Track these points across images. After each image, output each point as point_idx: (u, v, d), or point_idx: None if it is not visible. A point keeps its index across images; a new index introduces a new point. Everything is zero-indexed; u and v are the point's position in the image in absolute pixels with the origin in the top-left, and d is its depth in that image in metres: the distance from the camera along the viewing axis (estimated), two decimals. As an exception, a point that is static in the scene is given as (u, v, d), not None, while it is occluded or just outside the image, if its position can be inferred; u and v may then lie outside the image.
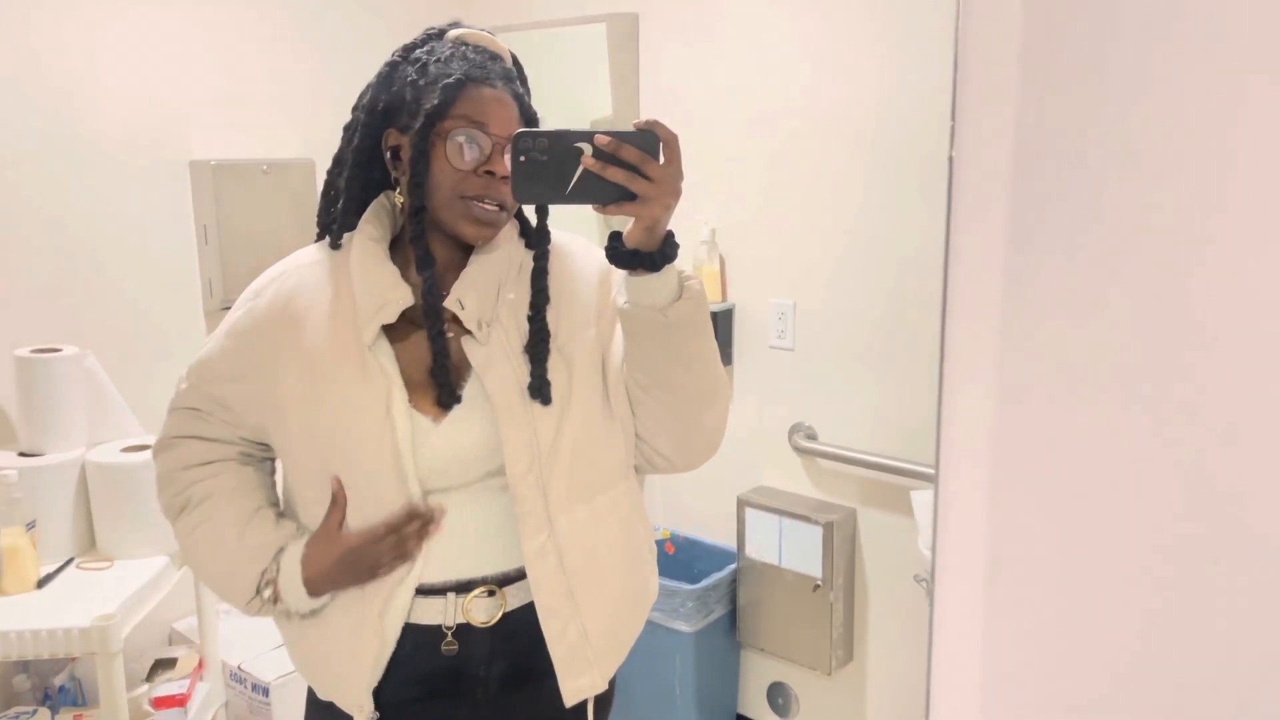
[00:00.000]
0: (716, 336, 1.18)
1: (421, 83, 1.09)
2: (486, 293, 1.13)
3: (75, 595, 1.76)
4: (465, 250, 1.16)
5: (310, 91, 2.52)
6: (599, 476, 1.16)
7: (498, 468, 1.11)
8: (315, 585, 1.13)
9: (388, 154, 1.14)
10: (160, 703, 1.94)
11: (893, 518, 2.23)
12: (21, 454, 1.90)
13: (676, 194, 1.02)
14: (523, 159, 0.99)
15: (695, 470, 1.27)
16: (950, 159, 0.56)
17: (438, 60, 1.10)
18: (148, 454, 1.91)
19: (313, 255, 1.20)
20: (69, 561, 1.87)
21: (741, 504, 2.35)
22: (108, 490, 1.89)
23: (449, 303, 1.11)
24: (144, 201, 2.24)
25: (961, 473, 0.59)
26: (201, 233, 2.32)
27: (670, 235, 1.06)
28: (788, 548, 2.29)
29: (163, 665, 2.09)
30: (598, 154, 0.99)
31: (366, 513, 1.11)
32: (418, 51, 1.13)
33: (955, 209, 0.57)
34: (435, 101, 1.07)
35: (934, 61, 2.02)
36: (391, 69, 1.14)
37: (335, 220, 1.18)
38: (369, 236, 1.16)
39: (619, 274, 1.10)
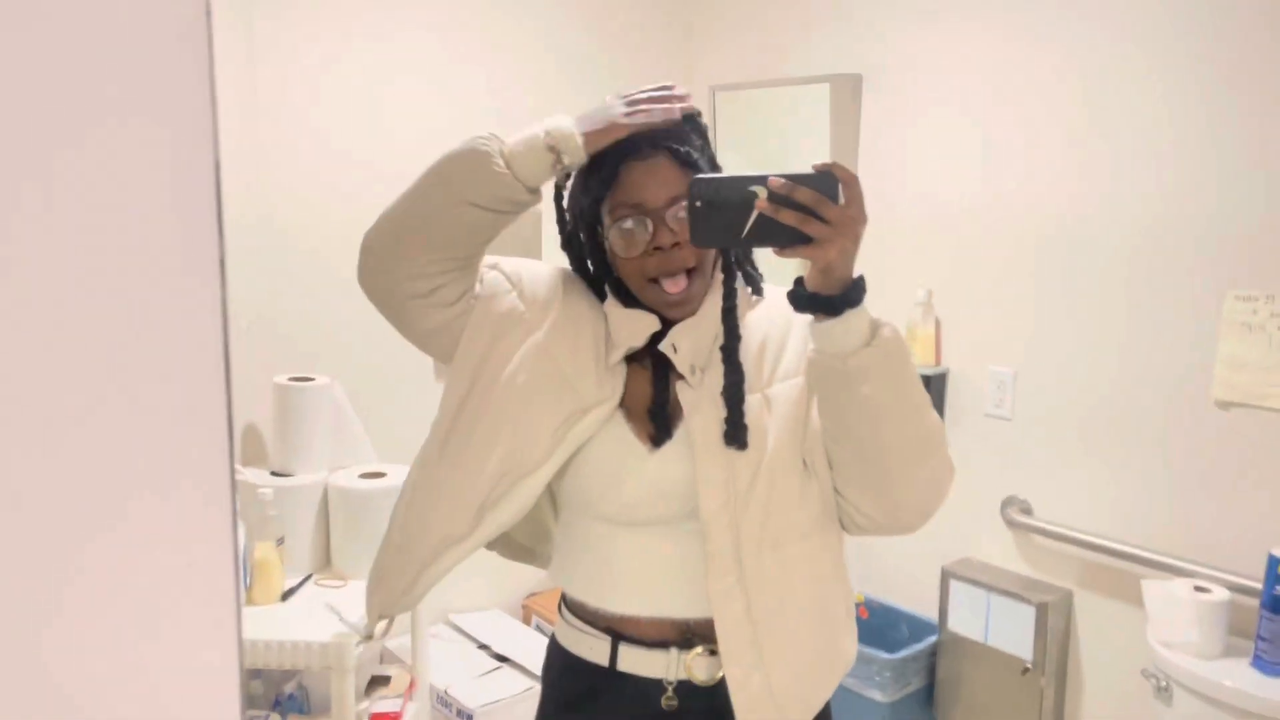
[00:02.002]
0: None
1: (588, 182, 1.13)
2: (701, 339, 1.14)
3: (314, 610, 1.88)
4: None
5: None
6: (792, 526, 1.14)
7: (694, 509, 1.12)
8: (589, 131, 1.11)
9: (585, 255, 1.20)
10: (377, 718, 2.05)
11: (1115, 604, 2.10)
12: (273, 473, 2.06)
13: (855, 237, 0.99)
14: (698, 204, 1.00)
15: (898, 538, 1.23)
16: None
17: (601, 153, 1.12)
18: (384, 480, 2.04)
19: (580, 291, 1.24)
20: (308, 577, 2.01)
21: (946, 575, 2.28)
22: (346, 512, 2.02)
23: (664, 346, 1.14)
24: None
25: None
26: (436, 274, 2.46)
27: (857, 280, 1.03)
28: (995, 625, 2.20)
29: (377, 682, 2.20)
30: (772, 197, 0.98)
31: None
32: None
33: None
34: (591, 199, 1.11)
35: (1183, 146, 1.94)
36: (575, 172, 1.18)
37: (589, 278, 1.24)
38: (614, 293, 1.20)
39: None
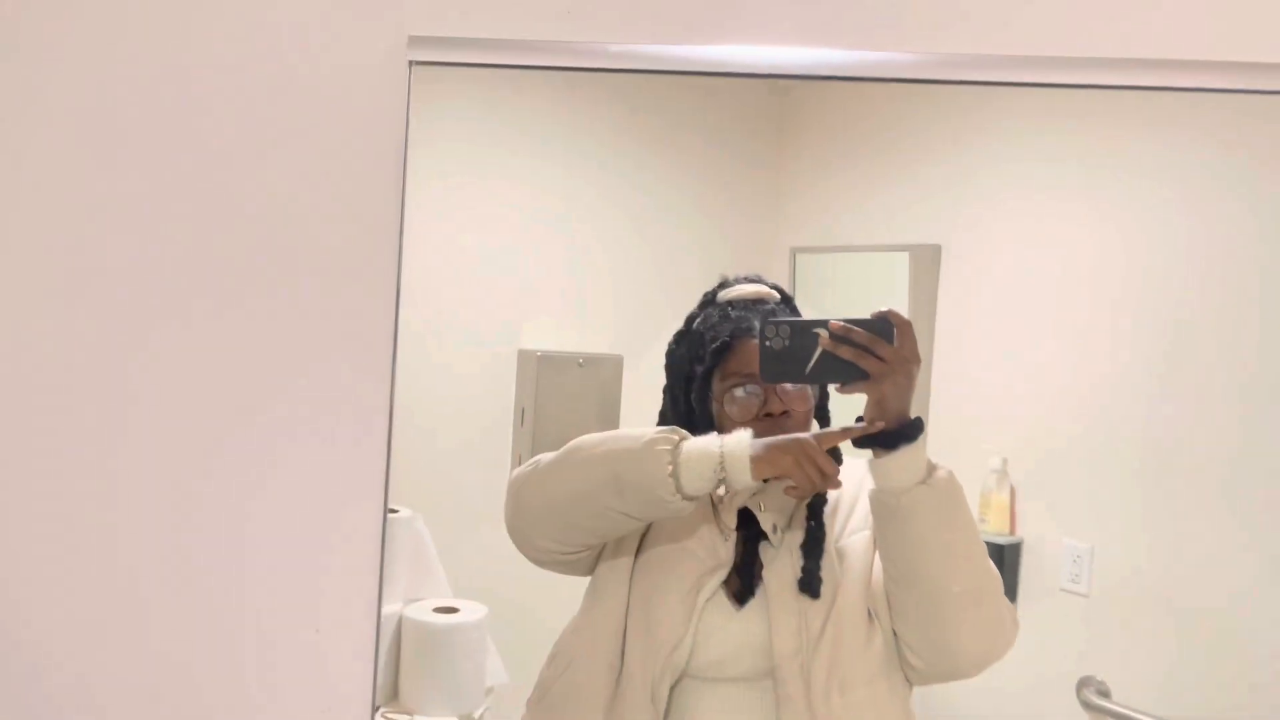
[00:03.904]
0: (1002, 571, 1.18)
1: (700, 351, 1.24)
2: (786, 500, 1.21)
3: (381, 744, 1.90)
4: None
5: (624, 291, 2.77)
6: (860, 672, 1.20)
7: (768, 667, 1.16)
8: (760, 455, 1.14)
9: (696, 416, 1.28)
10: None
11: (1198, 800, 2.01)
12: (352, 602, 2.11)
13: (908, 374, 1.10)
14: (768, 343, 1.13)
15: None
16: None
17: (709, 326, 1.26)
18: (456, 616, 2.08)
19: None
20: (378, 709, 2.03)
21: (1019, 755, 2.21)
22: (417, 645, 2.05)
23: (750, 504, 1.21)
24: (473, 383, 2.52)
25: None
26: (519, 415, 2.56)
27: (915, 420, 1.10)
28: (1070, 813, 2.11)
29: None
30: (833, 336, 1.08)
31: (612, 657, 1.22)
32: (695, 322, 1.30)
33: None
34: (707, 365, 1.22)
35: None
36: (677, 342, 1.31)
37: None
38: None
39: None
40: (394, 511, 2.18)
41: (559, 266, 2.62)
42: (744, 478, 1.13)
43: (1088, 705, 2.18)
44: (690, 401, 1.31)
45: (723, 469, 1.13)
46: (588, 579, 1.33)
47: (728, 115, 3.00)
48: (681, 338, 1.33)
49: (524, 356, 2.54)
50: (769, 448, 1.14)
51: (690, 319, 1.35)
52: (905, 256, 2.53)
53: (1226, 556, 1.98)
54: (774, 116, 3.09)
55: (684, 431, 1.16)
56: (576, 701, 1.25)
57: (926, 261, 2.53)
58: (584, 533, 1.24)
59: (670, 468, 1.14)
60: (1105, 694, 2.17)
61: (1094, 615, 2.20)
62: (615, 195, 2.74)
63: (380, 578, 0.55)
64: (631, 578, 1.25)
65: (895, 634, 1.22)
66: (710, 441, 1.16)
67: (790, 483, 1.11)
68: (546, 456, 1.27)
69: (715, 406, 1.25)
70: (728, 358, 1.24)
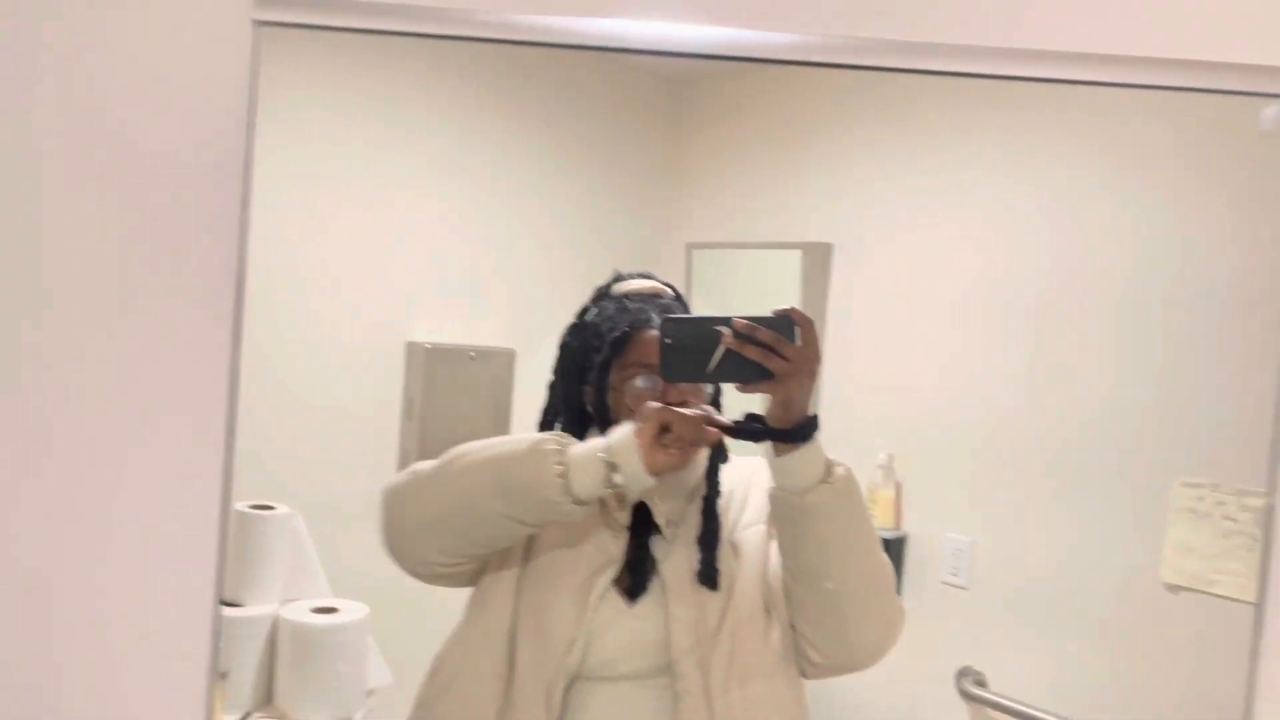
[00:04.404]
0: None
1: (596, 343, 1.24)
2: (678, 495, 1.22)
3: (252, 752, 1.82)
4: None
5: (517, 284, 2.72)
6: (757, 664, 1.21)
7: (664, 662, 1.15)
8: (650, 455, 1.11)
9: (589, 407, 1.27)
10: None
11: (1067, 785, 2.08)
12: (223, 602, 2.02)
13: (811, 374, 1.11)
14: (669, 341, 1.11)
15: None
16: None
17: (606, 318, 1.26)
18: (336, 616, 2.01)
19: None
20: (247, 715, 1.94)
21: (900, 745, 2.25)
22: (293, 648, 1.97)
23: (644, 497, 1.21)
24: (361, 376, 2.44)
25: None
26: (407, 408, 2.49)
27: (812, 417, 1.12)
28: (948, 801, 2.16)
29: (307, 831, 2.10)
30: (737, 335, 1.07)
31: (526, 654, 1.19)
32: (589, 314, 1.30)
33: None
34: (605, 356, 1.21)
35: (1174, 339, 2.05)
36: (570, 335, 1.30)
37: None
38: None
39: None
40: (269, 509, 2.09)
41: (451, 258, 2.57)
42: (637, 467, 1.10)
43: (965, 695, 2.24)
44: (582, 395, 1.29)
45: (613, 465, 1.11)
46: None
47: (626, 110, 2.99)
48: (576, 330, 1.32)
49: (412, 349, 2.48)
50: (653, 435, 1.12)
51: (583, 311, 1.33)
52: (798, 254, 2.56)
53: (1101, 550, 2.06)
54: (671, 113, 3.10)
55: (569, 437, 1.14)
56: (462, 715, 1.22)
57: (818, 259, 2.56)
58: (470, 542, 1.20)
59: (560, 468, 1.11)
60: (983, 684, 2.23)
61: (973, 607, 2.26)
62: (509, 186, 2.70)
63: (219, 578, 0.51)
64: (519, 585, 1.22)
65: (794, 628, 1.23)
66: (595, 442, 1.13)
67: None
68: (424, 466, 1.23)
69: (612, 397, 1.23)
70: (627, 349, 1.23)
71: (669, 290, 1.32)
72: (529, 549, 1.22)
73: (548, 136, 2.77)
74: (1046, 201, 2.20)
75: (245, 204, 0.51)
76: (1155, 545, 1.97)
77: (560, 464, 1.09)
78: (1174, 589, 1.95)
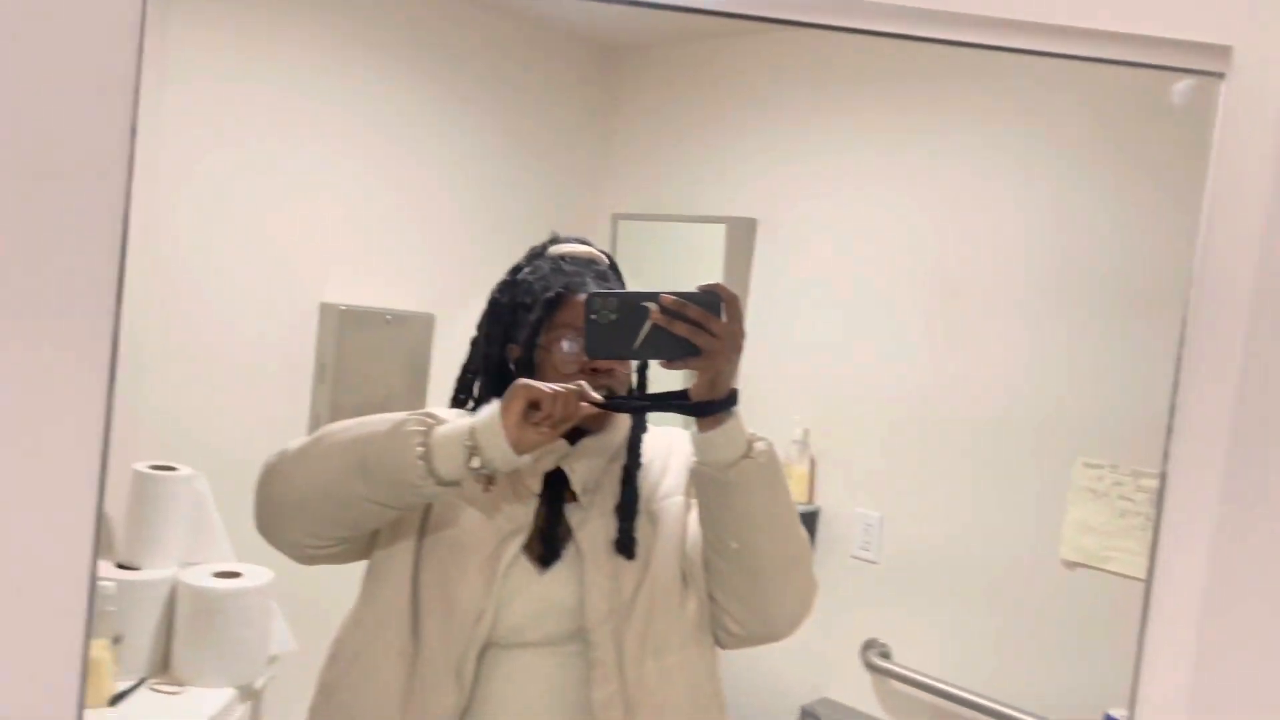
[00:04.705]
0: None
1: (528, 300, 1.22)
2: (596, 463, 1.21)
3: (146, 718, 1.76)
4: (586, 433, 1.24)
5: (438, 248, 2.67)
6: (672, 635, 1.20)
7: (575, 629, 1.15)
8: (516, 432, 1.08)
9: (512, 365, 1.25)
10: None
11: (964, 754, 2.15)
12: (119, 565, 1.95)
13: (737, 349, 1.10)
14: (594, 317, 1.09)
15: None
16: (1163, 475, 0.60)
17: (540, 277, 1.24)
18: (238, 581, 1.95)
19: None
20: (142, 681, 1.88)
21: (806, 714, 2.29)
22: (193, 613, 1.91)
23: (563, 465, 1.19)
24: (271, 336, 2.37)
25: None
26: (320, 370, 2.43)
27: (734, 391, 1.12)
28: (849, 769, 2.21)
29: (204, 801, 2.05)
30: (664, 310, 1.06)
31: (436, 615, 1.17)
32: (522, 273, 1.28)
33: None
34: (537, 315, 1.19)
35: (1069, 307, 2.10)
36: (501, 291, 1.27)
37: (479, 403, 1.28)
38: None
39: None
40: (171, 469, 2.02)
41: (370, 218, 2.50)
42: (503, 447, 1.08)
43: (870, 666, 2.29)
44: (505, 353, 1.27)
45: (475, 446, 1.08)
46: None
47: (555, 77, 2.95)
48: (507, 287, 1.28)
49: (326, 310, 2.41)
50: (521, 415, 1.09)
51: (516, 269, 1.30)
52: (722, 228, 2.56)
53: (1004, 527, 2.11)
54: (601, 81, 3.06)
55: (441, 415, 1.11)
56: (367, 695, 1.18)
57: (742, 234, 2.57)
58: (336, 525, 1.15)
59: (421, 449, 1.07)
60: (887, 656, 2.28)
61: (881, 581, 2.31)
62: (433, 148, 2.63)
63: (95, 539, 0.47)
64: (417, 558, 1.19)
65: (713, 600, 1.23)
66: (461, 422, 1.10)
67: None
68: (292, 446, 1.18)
69: (539, 355, 1.21)
70: (559, 310, 1.20)
71: (604, 258, 1.30)
72: (427, 520, 1.19)
73: (474, 99, 2.71)
74: (964, 180, 2.23)
75: (129, 167, 0.47)
76: (1056, 523, 2.04)
77: (422, 445, 1.06)
78: (1071, 565, 2.02)
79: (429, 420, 1.10)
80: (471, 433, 1.08)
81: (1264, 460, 0.54)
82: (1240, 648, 0.54)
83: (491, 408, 1.09)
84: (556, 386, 1.09)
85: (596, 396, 1.11)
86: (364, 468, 1.10)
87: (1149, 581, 0.65)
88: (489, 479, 1.13)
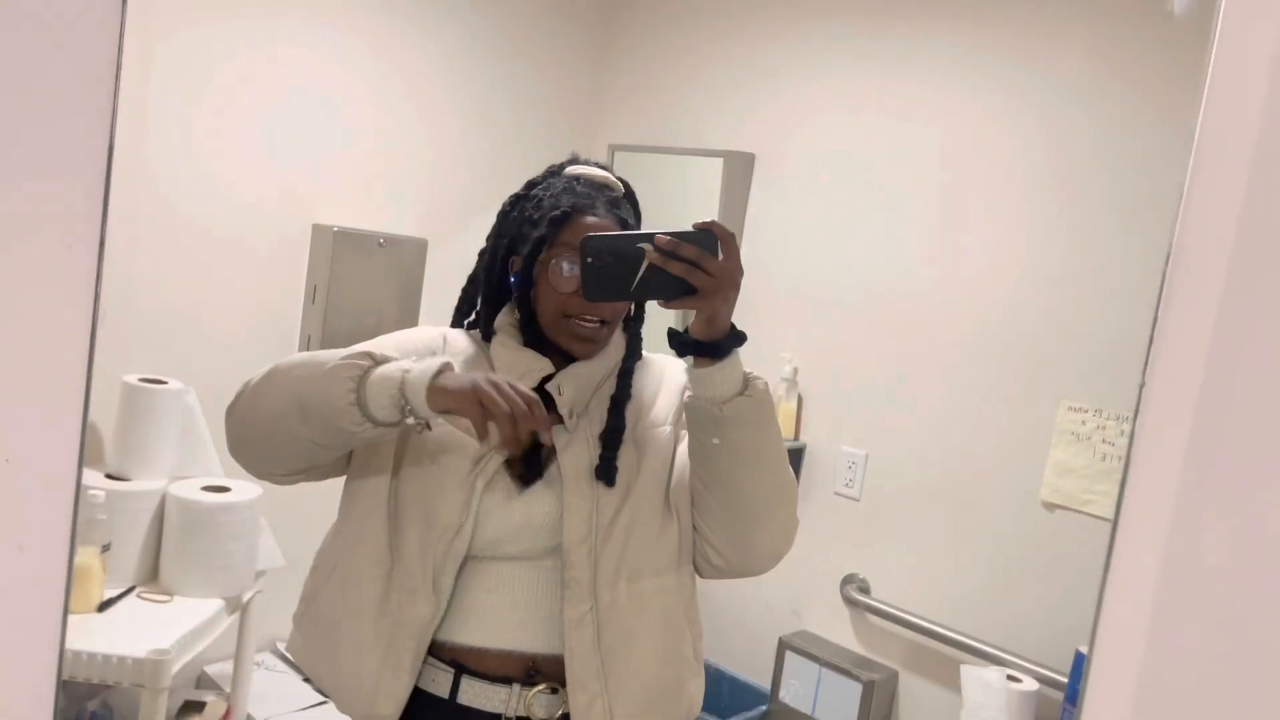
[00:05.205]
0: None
1: (536, 215, 1.22)
2: (584, 387, 1.23)
3: (133, 624, 1.79)
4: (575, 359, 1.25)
5: (433, 173, 2.64)
6: (649, 562, 1.22)
7: (557, 545, 1.17)
8: (442, 385, 1.08)
9: (512, 278, 1.25)
10: (186, 746, 1.95)
11: (934, 687, 2.20)
12: (109, 475, 1.96)
13: (735, 287, 1.10)
14: (590, 260, 1.09)
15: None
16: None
17: (551, 195, 1.24)
18: (226, 495, 1.97)
19: (463, 341, 1.27)
20: (131, 589, 1.91)
21: (784, 645, 2.34)
22: (181, 525, 1.93)
23: (550, 386, 1.19)
24: (264, 255, 2.35)
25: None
26: (311, 292, 2.42)
27: (734, 329, 1.13)
28: (824, 699, 2.26)
29: (191, 708, 2.09)
30: (660, 251, 1.06)
31: (413, 538, 1.19)
32: (536, 189, 1.26)
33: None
34: (542, 232, 1.19)
35: (1054, 236, 2.09)
36: (514, 202, 1.27)
37: (480, 318, 1.28)
38: (506, 334, 1.28)
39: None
40: (161, 383, 2.02)
41: (365, 143, 2.46)
42: (421, 407, 1.07)
43: (848, 600, 2.32)
44: (507, 265, 1.27)
45: (403, 396, 1.07)
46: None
47: (556, 6, 2.88)
48: (518, 200, 1.27)
49: (319, 231, 2.39)
50: (458, 383, 1.07)
51: (531, 184, 1.28)
52: (719, 162, 2.54)
53: (986, 467, 2.13)
54: (602, 10, 3.01)
55: (383, 355, 1.09)
56: (345, 603, 1.20)
57: (739, 169, 2.54)
58: (289, 458, 1.15)
59: (353, 395, 1.06)
60: (865, 590, 2.32)
61: (863, 518, 2.34)
62: (429, 76, 2.59)
63: (80, 448, 0.48)
64: (395, 474, 1.20)
65: (696, 530, 1.24)
66: (398, 366, 1.09)
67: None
68: (254, 379, 1.17)
69: (537, 270, 1.21)
70: (563, 229, 1.19)
71: (620, 184, 1.29)
72: (407, 434, 1.20)
73: (474, 26, 2.66)
74: (961, 104, 2.21)
75: (115, 84, 0.46)
76: (1037, 465, 2.06)
77: (355, 390, 1.05)
78: (1050, 507, 2.05)
79: (364, 363, 1.09)
80: (403, 383, 1.08)
81: (1237, 390, 0.54)
82: (1199, 586, 0.55)
83: (430, 363, 1.08)
84: (515, 398, 1.06)
85: (543, 416, 1.08)
86: (303, 410, 1.10)
87: (1114, 521, 0.66)
88: (425, 424, 1.12)
